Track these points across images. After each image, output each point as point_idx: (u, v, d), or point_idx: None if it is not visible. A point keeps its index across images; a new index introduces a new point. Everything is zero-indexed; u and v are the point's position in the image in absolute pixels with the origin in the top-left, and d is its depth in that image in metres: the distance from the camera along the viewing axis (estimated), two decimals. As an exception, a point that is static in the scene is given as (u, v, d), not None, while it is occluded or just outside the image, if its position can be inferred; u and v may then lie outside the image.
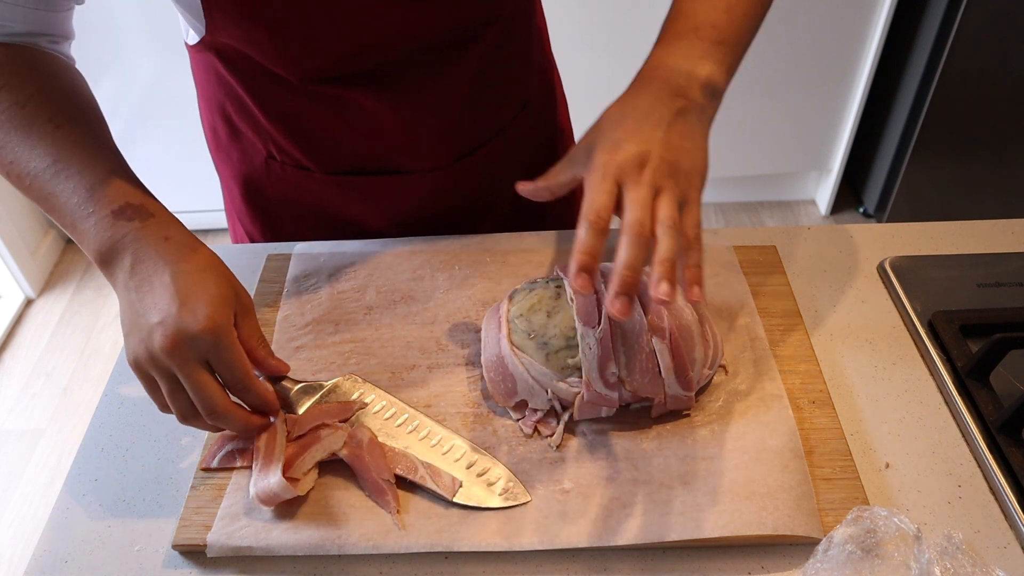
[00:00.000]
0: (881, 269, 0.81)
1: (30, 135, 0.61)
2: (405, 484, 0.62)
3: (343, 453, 0.62)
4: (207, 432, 0.65)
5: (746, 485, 0.60)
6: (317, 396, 0.67)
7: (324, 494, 0.61)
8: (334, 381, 0.68)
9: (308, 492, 0.61)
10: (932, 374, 0.71)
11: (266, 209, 0.89)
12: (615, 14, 1.93)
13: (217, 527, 0.59)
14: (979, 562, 0.55)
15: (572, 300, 0.64)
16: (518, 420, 0.65)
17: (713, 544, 0.58)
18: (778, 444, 0.62)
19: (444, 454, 0.63)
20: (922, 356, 0.72)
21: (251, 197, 0.89)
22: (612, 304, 0.53)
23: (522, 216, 0.93)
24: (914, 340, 0.74)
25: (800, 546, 0.58)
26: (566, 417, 0.64)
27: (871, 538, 0.55)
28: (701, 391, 0.67)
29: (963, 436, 0.66)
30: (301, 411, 0.65)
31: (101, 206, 0.60)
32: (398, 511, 0.60)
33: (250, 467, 0.62)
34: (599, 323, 0.61)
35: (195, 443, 0.67)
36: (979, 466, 0.63)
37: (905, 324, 0.75)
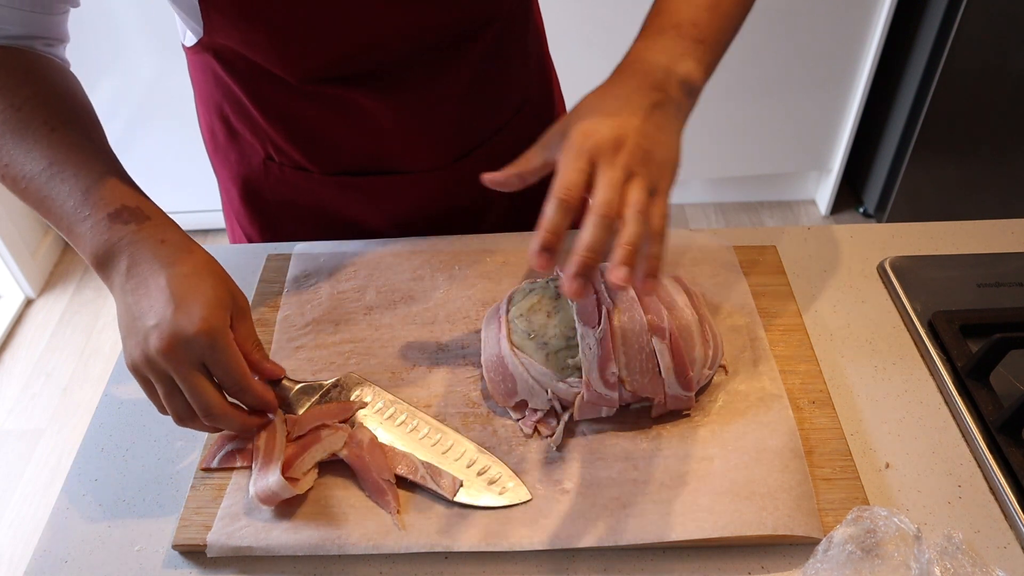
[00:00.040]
0: (881, 269, 0.81)
1: (25, 138, 0.61)
2: (405, 484, 0.62)
3: (343, 453, 0.62)
4: (207, 432, 0.65)
5: (746, 485, 0.60)
6: (317, 396, 0.67)
7: (324, 494, 0.61)
8: (334, 381, 0.68)
9: (308, 492, 0.61)
10: (932, 374, 0.71)
11: (265, 210, 0.89)
12: (613, 14, 1.93)
13: (217, 527, 0.59)
14: (979, 562, 0.55)
15: (572, 300, 0.64)
16: (518, 420, 0.65)
17: (713, 544, 0.58)
18: (778, 444, 0.62)
19: (444, 453, 0.63)
20: (922, 356, 0.72)
21: (250, 199, 0.88)
22: (567, 284, 0.52)
23: (522, 216, 0.93)
24: (914, 340, 0.74)
25: (800, 546, 0.58)
26: (566, 417, 0.64)
27: (871, 538, 0.55)
28: (701, 391, 0.67)
29: (963, 436, 0.66)
30: (301, 411, 0.65)
31: (97, 209, 0.59)
32: (398, 511, 0.60)
33: (250, 467, 0.62)
34: (599, 323, 0.61)
35: (195, 443, 0.67)
36: (979, 466, 0.63)
37: (905, 324, 0.75)
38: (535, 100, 0.91)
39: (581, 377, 0.62)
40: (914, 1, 1.97)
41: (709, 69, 0.64)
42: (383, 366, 0.71)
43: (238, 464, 0.63)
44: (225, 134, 0.85)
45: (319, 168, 0.84)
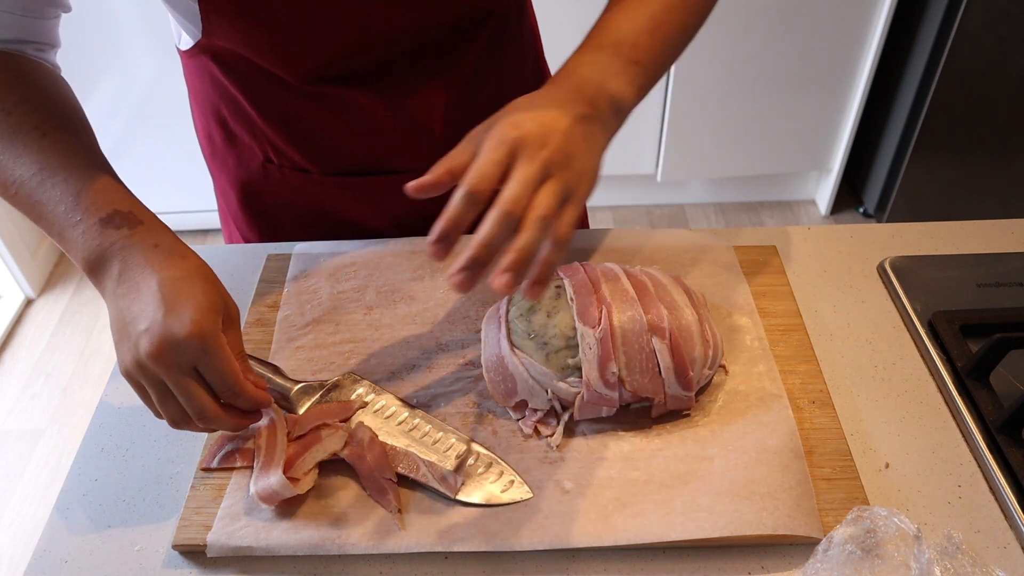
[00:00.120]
0: (881, 269, 0.81)
1: (15, 143, 0.60)
2: (406, 483, 0.62)
3: (344, 453, 0.62)
4: (205, 433, 0.65)
5: (746, 485, 0.60)
6: (317, 396, 0.67)
7: (324, 494, 0.61)
8: (334, 381, 0.68)
9: (308, 491, 0.61)
10: (932, 374, 0.71)
11: (264, 213, 0.89)
12: (615, 14, 1.93)
13: (217, 527, 0.59)
14: (979, 562, 0.55)
15: (572, 300, 0.64)
16: (518, 420, 0.65)
17: (713, 544, 0.58)
18: (778, 444, 0.62)
19: (444, 453, 0.63)
20: (922, 356, 0.72)
21: (248, 202, 0.88)
22: (452, 277, 0.51)
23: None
24: (914, 340, 0.74)
25: (800, 546, 0.58)
26: (566, 417, 0.64)
27: (871, 538, 0.55)
28: (701, 391, 0.67)
29: (963, 436, 0.66)
30: (301, 411, 0.65)
31: (88, 214, 0.59)
32: (399, 510, 0.60)
33: (250, 467, 0.62)
34: (599, 323, 0.61)
35: (195, 443, 0.67)
36: (979, 466, 0.63)
37: (905, 324, 0.75)
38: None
39: (581, 377, 0.62)
40: (914, 1, 1.97)
41: (641, 91, 0.63)
42: (383, 366, 0.71)
43: (238, 464, 0.63)
44: (223, 138, 0.84)
45: (319, 169, 0.83)
